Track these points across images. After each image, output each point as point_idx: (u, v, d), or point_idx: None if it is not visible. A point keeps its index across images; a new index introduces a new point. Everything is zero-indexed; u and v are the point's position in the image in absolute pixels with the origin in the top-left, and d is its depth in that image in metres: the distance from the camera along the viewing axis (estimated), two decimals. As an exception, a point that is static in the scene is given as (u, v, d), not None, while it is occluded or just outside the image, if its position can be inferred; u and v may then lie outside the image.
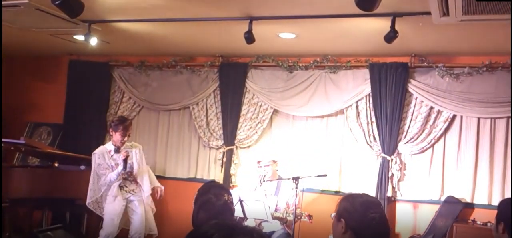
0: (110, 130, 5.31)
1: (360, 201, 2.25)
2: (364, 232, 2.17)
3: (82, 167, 5.97)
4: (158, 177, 6.67)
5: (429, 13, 4.07)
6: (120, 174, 5.15)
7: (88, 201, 5.20)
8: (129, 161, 5.18)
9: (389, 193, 5.81)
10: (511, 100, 5.35)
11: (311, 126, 6.31)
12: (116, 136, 5.19)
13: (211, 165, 6.69)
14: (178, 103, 6.82)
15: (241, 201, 4.81)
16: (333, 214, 2.30)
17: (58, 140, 7.27)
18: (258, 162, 5.52)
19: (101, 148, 5.35)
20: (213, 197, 2.69)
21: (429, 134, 5.76)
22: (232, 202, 2.82)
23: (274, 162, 5.53)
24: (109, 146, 5.29)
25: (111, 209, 5.16)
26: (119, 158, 5.17)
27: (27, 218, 6.26)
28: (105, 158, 5.20)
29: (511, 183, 5.35)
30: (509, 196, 4.15)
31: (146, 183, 5.39)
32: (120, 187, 5.22)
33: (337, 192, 6.06)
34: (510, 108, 5.41)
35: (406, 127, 5.82)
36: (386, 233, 2.25)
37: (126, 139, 5.19)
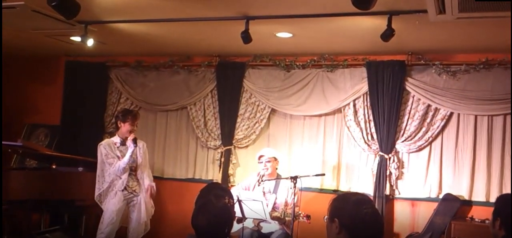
0: (118, 122, 5.35)
1: (352, 199, 2.27)
2: (359, 229, 2.18)
3: (80, 169, 5.97)
4: (156, 178, 6.67)
5: (425, 11, 4.07)
6: (130, 159, 5.12)
7: (96, 194, 5.19)
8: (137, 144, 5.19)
9: (387, 191, 5.81)
10: (511, 97, 5.36)
11: (309, 125, 6.31)
12: (125, 126, 5.23)
13: (209, 165, 6.68)
14: (176, 103, 6.82)
15: (239, 201, 4.80)
16: (326, 217, 2.31)
17: (56, 141, 7.26)
18: (260, 157, 5.51)
19: (106, 140, 5.40)
20: (213, 199, 2.68)
21: (426, 132, 5.77)
22: (233, 205, 2.80)
23: (275, 159, 5.52)
24: (115, 139, 5.32)
25: (111, 205, 5.15)
26: (129, 147, 5.16)
27: (25, 220, 6.24)
28: (111, 148, 5.22)
29: (511, 179, 5.36)
30: (506, 193, 4.16)
31: (147, 181, 5.41)
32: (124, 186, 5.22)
33: (335, 191, 6.06)
34: (506, 105, 5.43)
35: (403, 125, 5.83)
36: (380, 228, 2.26)
37: (135, 128, 5.22)
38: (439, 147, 5.79)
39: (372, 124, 5.92)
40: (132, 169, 5.30)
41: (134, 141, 5.13)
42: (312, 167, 6.11)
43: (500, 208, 2.72)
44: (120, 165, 5.13)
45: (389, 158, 5.81)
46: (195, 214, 2.62)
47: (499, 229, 2.65)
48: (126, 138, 5.23)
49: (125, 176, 5.18)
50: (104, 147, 5.21)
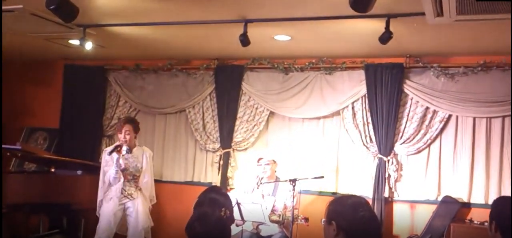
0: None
1: (349, 202, 2.30)
2: (356, 231, 2.21)
3: (79, 172, 5.96)
4: (155, 181, 6.70)
5: (423, 14, 4.08)
6: (118, 167, 5.11)
7: (98, 199, 5.25)
8: (124, 154, 5.17)
9: (386, 194, 5.81)
10: (510, 99, 5.36)
11: (307, 127, 6.32)
12: (118, 135, 5.28)
13: (208, 168, 6.68)
14: (174, 106, 6.82)
15: (238, 204, 4.81)
16: (323, 220, 2.33)
17: (54, 144, 7.25)
18: (259, 160, 5.52)
19: (113, 145, 5.38)
20: (210, 211, 2.69)
21: (425, 134, 5.77)
22: (229, 216, 2.81)
23: (274, 162, 5.53)
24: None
25: (107, 210, 5.14)
26: (129, 158, 5.20)
27: (24, 224, 6.24)
28: (114, 155, 5.19)
29: (511, 181, 5.36)
30: (503, 195, 4.15)
31: (147, 189, 5.41)
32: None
33: (334, 194, 6.06)
34: (505, 107, 5.44)
35: (402, 127, 5.84)
36: (377, 231, 2.28)
37: (127, 137, 5.19)
38: (438, 149, 5.79)
39: (370, 126, 5.92)
40: (132, 176, 5.29)
41: (118, 150, 5.11)
42: (310, 169, 6.10)
43: (495, 211, 2.73)
44: (109, 173, 5.16)
45: (388, 160, 5.82)
46: (191, 222, 2.61)
47: (495, 232, 2.66)
48: (130, 147, 5.24)
49: (119, 184, 5.18)
50: (108, 153, 5.22)
